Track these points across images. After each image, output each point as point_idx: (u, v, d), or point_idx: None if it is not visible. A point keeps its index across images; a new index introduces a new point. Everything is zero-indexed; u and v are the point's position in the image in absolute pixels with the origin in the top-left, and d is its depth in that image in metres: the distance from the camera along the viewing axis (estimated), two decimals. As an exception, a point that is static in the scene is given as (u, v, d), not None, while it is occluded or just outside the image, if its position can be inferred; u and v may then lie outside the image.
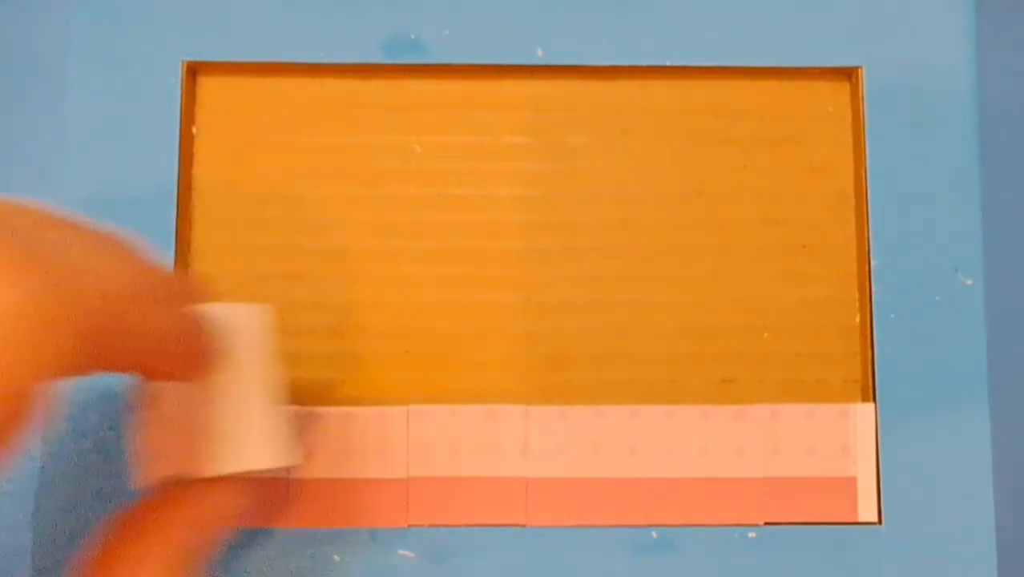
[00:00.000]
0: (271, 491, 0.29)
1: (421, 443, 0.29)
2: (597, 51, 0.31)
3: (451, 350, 0.30)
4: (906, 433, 0.29)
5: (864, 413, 0.30)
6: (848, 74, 0.31)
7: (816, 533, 0.29)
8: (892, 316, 0.30)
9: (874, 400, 0.30)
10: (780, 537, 0.29)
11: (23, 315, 0.17)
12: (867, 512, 0.29)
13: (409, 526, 0.29)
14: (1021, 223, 0.32)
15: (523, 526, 0.29)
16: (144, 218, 0.30)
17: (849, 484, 0.29)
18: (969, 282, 0.30)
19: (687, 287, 0.31)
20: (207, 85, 0.31)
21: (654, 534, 0.29)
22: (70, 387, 0.29)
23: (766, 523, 0.29)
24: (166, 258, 0.30)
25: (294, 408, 0.29)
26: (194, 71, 0.31)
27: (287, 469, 0.29)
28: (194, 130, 0.31)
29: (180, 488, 0.24)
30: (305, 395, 0.30)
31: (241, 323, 0.25)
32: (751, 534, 0.29)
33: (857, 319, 0.30)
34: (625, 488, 0.29)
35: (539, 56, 0.31)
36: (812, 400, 0.30)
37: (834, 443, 0.29)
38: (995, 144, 0.31)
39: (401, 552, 0.29)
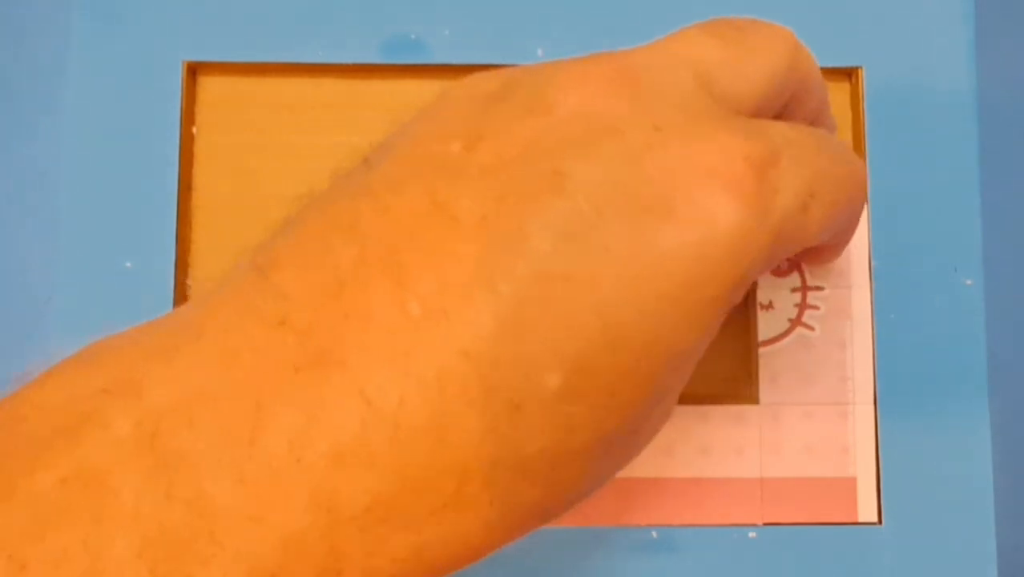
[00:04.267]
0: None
1: (421, 443, 0.29)
2: (597, 51, 0.31)
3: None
4: (906, 433, 0.29)
5: (864, 413, 0.30)
6: (848, 74, 0.31)
7: (816, 533, 0.29)
8: (892, 316, 0.30)
9: (874, 400, 0.30)
10: (780, 537, 0.29)
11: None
12: (867, 512, 0.29)
13: (409, 526, 0.29)
14: (1021, 223, 0.32)
15: (523, 526, 0.29)
16: (144, 218, 0.30)
17: (849, 484, 0.29)
18: (969, 282, 0.30)
19: (687, 287, 0.31)
20: (207, 85, 0.31)
21: (654, 534, 0.29)
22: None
23: (766, 523, 0.29)
24: (166, 258, 0.30)
25: None
26: (194, 71, 0.31)
27: None
28: (194, 130, 0.31)
29: None
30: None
31: None
32: (751, 534, 0.29)
33: (857, 319, 0.30)
34: (625, 488, 0.29)
35: (539, 56, 0.31)
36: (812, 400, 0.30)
37: (834, 443, 0.29)
38: (995, 144, 0.31)
39: (401, 552, 0.29)
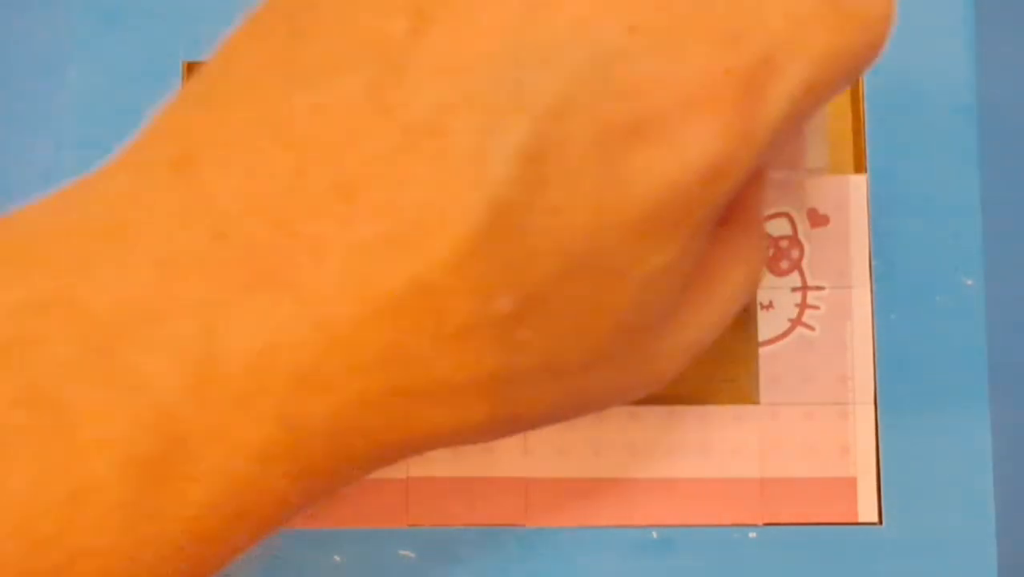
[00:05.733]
0: (271, 491, 0.29)
1: (421, 443, 0.29)
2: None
3: (451, 350, 0.30)
4: (906, 433, 0.29)
5: (864, 413, 0.30)
6: (848, 74, 0.31)
7: (816, 533, 0.29)
8: (892, 316, 0.30)
9: (874, 400, 0.30)
10: (780, 537, 0.29)
11: None
12: (867, 512, 0.29)
13: (409, 526, 0.29)
14: (1021, 223, 0.32)
15: (523, 526, 0.29)
16: (144, 218, 0.30)
17: (849, 484, 0.29)
18: (969, 282, 0.30)
19: (687, 287, 0.31)
20: (207, 85, 0.31)
21: (654, 534, 0.29)
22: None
23: (766, 523, 0.29)
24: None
25: None
26: (194, 71, 0.31)
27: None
28: (194, 130, 0.31)
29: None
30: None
31: None
32: (751, 534, 0.29)
33: (857, 319, 0.30)
34: (625, 488, 0.29)
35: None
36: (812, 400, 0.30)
37: (834, 443, 0.29)
38: (995, 144, 0.31)
39: (401, 552, 0.29)
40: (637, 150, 0.17)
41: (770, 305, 0.30)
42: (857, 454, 0.29)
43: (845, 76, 0.19)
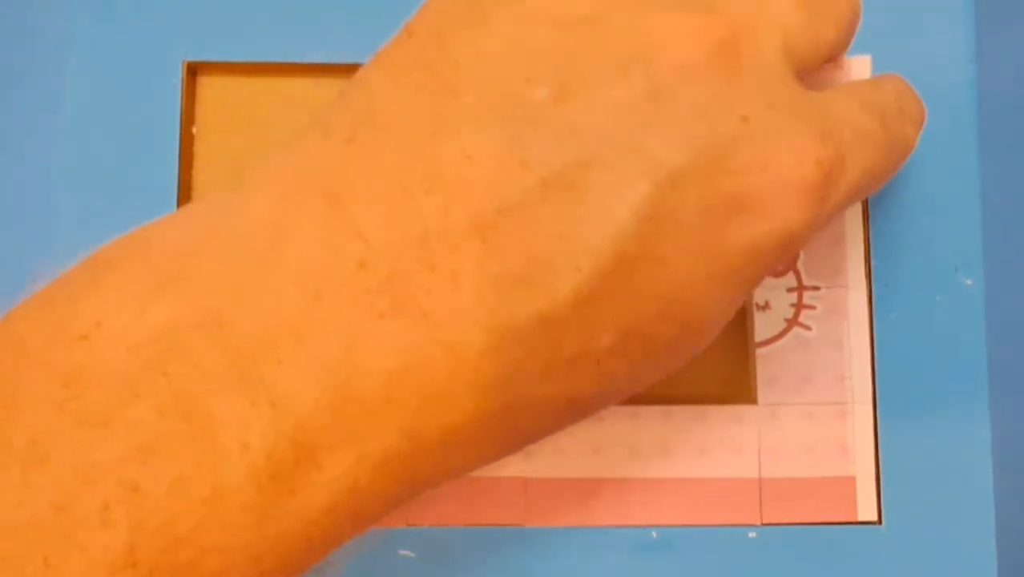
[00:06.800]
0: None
1: (420, 443, 0.29)
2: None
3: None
4: (906, 433, 0.29)
5: (863, 413, 0.29)
6: (848, 73, 0.31)
7: (816, 533, 0.29)
8: (892, 316, 0.30)
9: (874, 400, 0.30)
10: (780, 537, 0.29)
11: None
12: (867, 512, 0.29)
13: (409, 526, 0.29)
14: (1021, 223, 0.32)
15: (522, 526, 0.29)
16: (144, 218, 0.30)
17: (848, 484, 0.29)
18: (969, 282, 0.30)
19: (687, 287, 0.31)
20: (207, 85, 0.31)
21: (654, 534, 0.29)
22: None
23: (765, 523, 0.29)
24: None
25: None
26: (194, 71, 0.31)
27: None
28: (194, 130, 0.31)
29: None
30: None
31: None
32: (751, 534, 0.29)
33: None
34: (624, 488, 0.29)
35: (538, 56, 0.31)
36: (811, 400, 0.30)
37: (833, 443, 0.29)
38: (995, 144, 0.31)
39: (401, 552, 0.29)
40: (735, 218, 0.20)
41: (766, 306, 0.30)
42: (856, 454, 0.29)
43: (881, 180, 0.24)
